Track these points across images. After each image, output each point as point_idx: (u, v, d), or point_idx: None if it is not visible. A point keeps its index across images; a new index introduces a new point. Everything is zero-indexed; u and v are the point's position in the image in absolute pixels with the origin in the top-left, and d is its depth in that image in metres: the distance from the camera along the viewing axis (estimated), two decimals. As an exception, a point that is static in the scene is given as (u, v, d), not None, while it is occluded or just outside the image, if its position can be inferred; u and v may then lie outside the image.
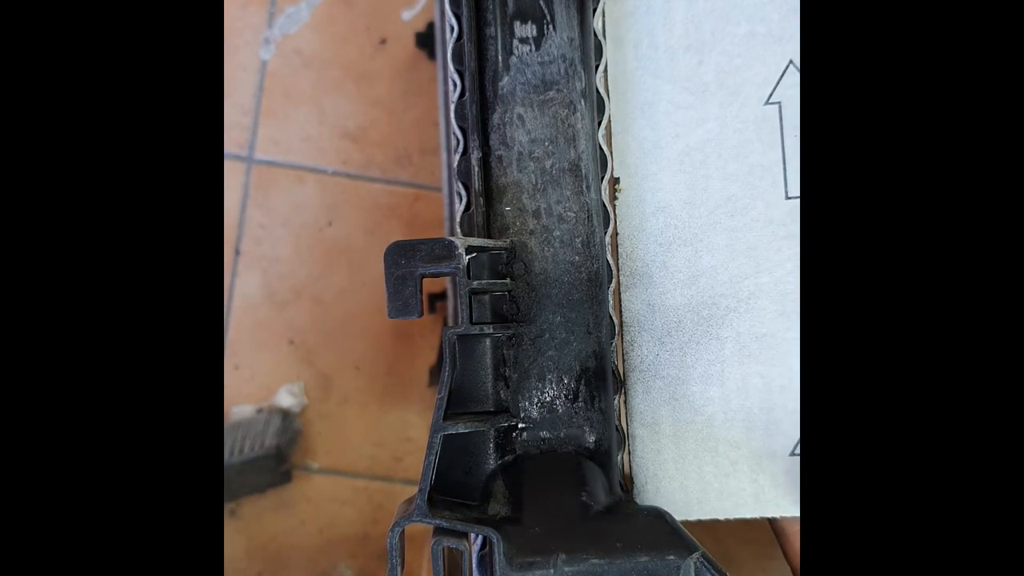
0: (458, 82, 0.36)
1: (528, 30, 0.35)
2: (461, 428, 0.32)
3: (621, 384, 0.38)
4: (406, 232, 0.63)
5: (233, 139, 0.62)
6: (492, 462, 0.34)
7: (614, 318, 0.37)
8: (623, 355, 0.39)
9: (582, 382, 0.35)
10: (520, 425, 0.35)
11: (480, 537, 0.32)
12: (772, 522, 0.40)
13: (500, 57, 0.35)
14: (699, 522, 0.38)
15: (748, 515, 0.38)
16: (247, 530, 0.62)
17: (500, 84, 0.35)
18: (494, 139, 0.36)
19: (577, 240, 0.35)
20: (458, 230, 0.36)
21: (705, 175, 0.39)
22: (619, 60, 0.39)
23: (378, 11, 0.63)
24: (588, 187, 0.35)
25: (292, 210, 0.62)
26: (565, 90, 0.35)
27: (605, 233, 0.37)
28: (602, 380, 0.35)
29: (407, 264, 0.31)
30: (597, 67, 0.37)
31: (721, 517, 0.38)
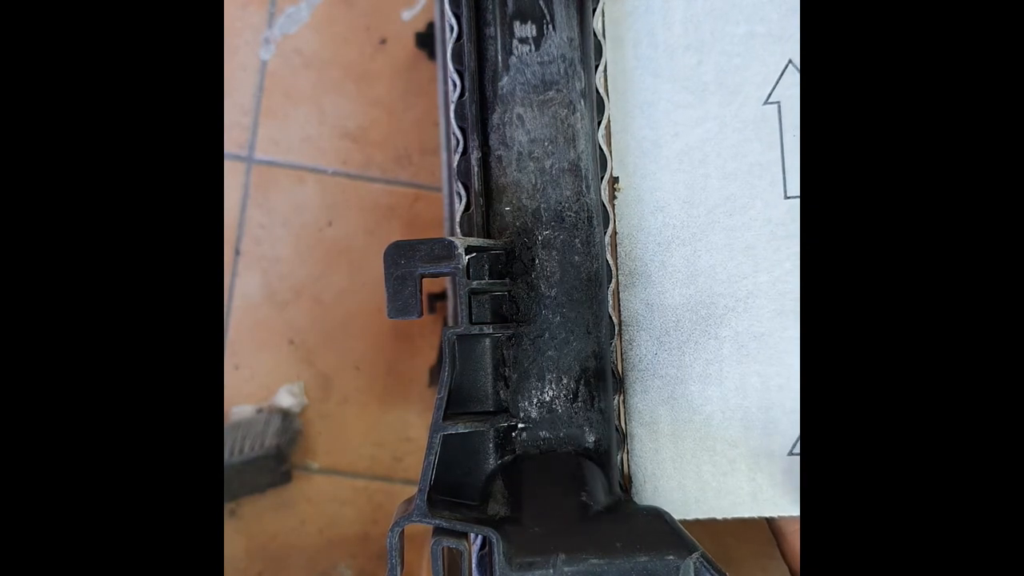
0: (458, 82, 0.36)
1: (528, 30, 0.35)
2: (461, 428, 0.32)
3: (620, 384, 0.38)
4: (406, 232, 0.63)
5: (233, 139, 0.62)
6: (492, 462, 0.34)
7: (613, 318, 0.37)
8: (621, 354, 0.39)
9: (581, 382, 0.35)
10: (520, 425, 0.35)
11: (480, 537, 0.32)
12: (770, 522, 0.40)
13: (500, 57, 0.35)
14: (697, 521, 0.39)
15: (746, 514, 0.38)
16: (247, 530, 0.62)
17: (500, 84, 0.35)
18: (494, 139, 0.36)
19: (576, 240, 0.35)
20: (458, 230, 0.36)
21: (704, 174, 0.39)
22: (618, 59, 0.39)
23: (378, 11, 0.63)
24: (587, 187, 0.35)
25: (292, 210, 0.62)
26: (565, 90, 0.35)
27: (605, 233, 0.37)
28: (601, 380, 0.35)
29: (407, 264, 0.31)
30: (597, 67, 0.37)
31: (719, 516, 0.38)
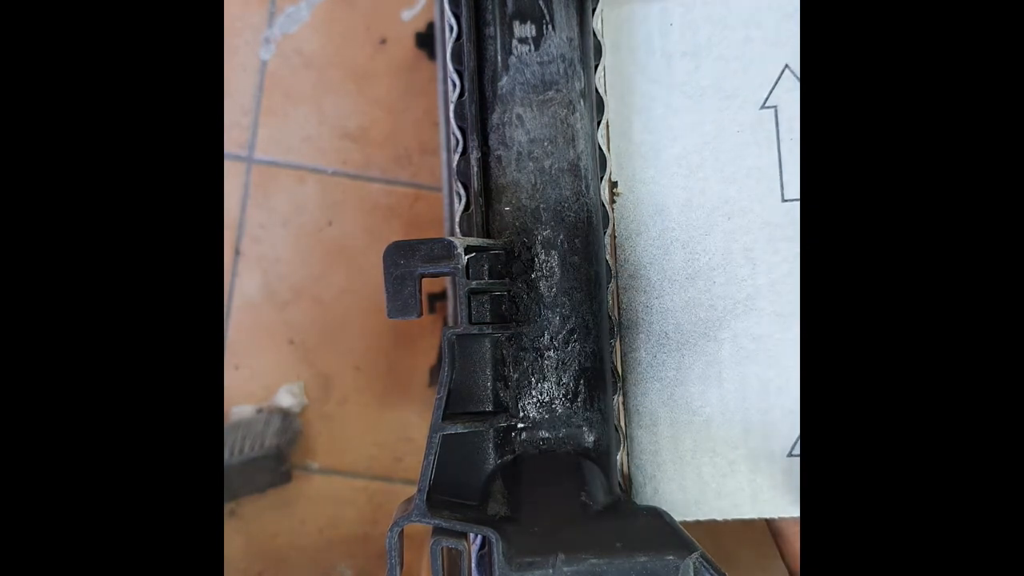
0: (458, 82, 0.36)
1: (527, 30, 0.35)
2: (460, 428, 0.32)
3: (620, 384, 0.38)
4: (406, 232, 0.63)
5: (233, 139, 0.62)
6: (491, 462, 0.34)
7: (613, 319, 0.37)
8: (621, 357, 0.39)
9: (581, 382, 0.35)
10: (519, 425, 0.35)
11: (479, 537, 0.32)
12: (770, 523, 0.40)
13: (499, 57, 0.35)
14: (697, 522, 0.39)
15: (746, 516, 0.38)
16: (247, 530, 0.62)
17: (499, 84, 0.35)
18: (493, 139, 0.36)
19: (576, 240, 0.35)
20: (458, 230, 0.36)
21: (702, 178, 0.39)
22: (617, 65, 0.40)
23: (378, 11, 0.63)
24: (587, 187, 0.35)
25: (292, 210, 0.62)
26: (564, 90, 0.35)
27: (604, 233, 0.37)
28: (601, 380, 0.35)
29: (406, 264, 0.31)
30: (596, 67, 0.37)
31: (719, 518, 0.39)
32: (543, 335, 0.35)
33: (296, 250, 0.62)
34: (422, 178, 0.63)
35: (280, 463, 0.61)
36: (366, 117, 0.63)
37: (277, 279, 0.62)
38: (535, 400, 0.35)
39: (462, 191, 0.36)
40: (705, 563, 0.30)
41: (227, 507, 0.62)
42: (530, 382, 0.35)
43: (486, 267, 0.34)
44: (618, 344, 0.38)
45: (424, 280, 0.31)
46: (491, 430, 0.34)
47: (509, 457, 0.34)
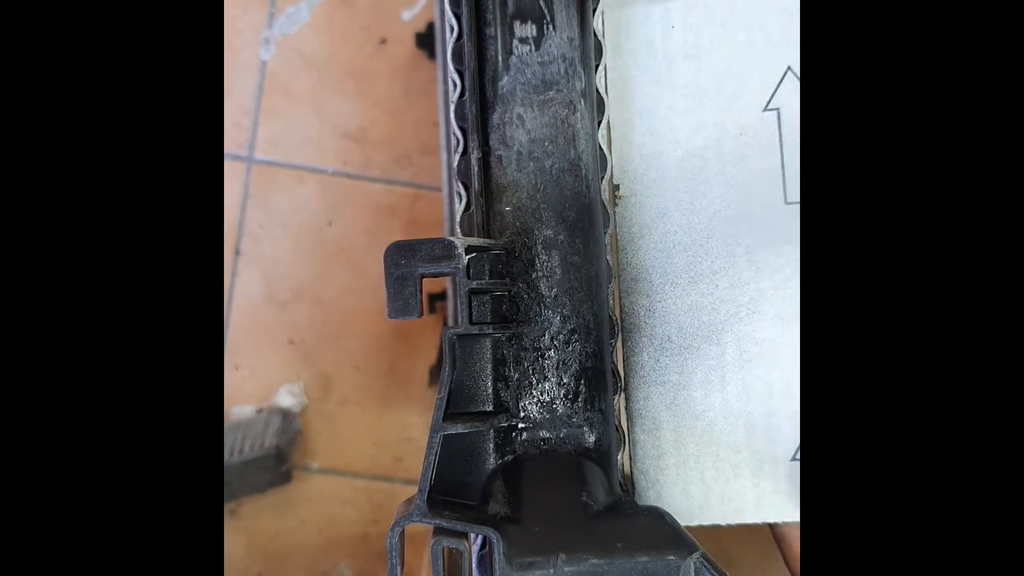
0: (458, 82, 0.36)
1: (528, 30, 0.35)
2: (461, 428, 0.32)
3: (621, 384, 0.38)
4: (406, 232, 0.63)
5: (233, 139, 0.62)
6: (492, 462, 0.34)
7: (614, 319, 0.37)
8: (624, 360, 0.39)
9: (582, 382, 0.35)
10: (520, 425, 0.35)
11: (480, 537, 0.32)
12: (773, 528, 0.40)
13: (500, 57, 0.35)
14: (700, 527, 0.38)
15: (749, 520, 0.38)
16: (247, 530, 0.62)
17: (500, 84, 0.35)
18: (494, 139, 0.36)
19: (577, 240, 0.35)
20: (458, 230, 0.36)
21: (705, 181, 0.39)
22: (618, 67, 0.40)
23: (378, 11, 0.63)
24: (588, 187, 0.35)
25: (292, 210, 0.62)
26: (565, 90, 0.35)
27: (605, 233, 0.37)
28: (602, 380, 0.35)
29: (407, 264, 0.31)
30: (597, 67, 0.37)
31: (723, 523, 0.38)
32: (544, 335, 0.35)
33: (296, 250, 0.62)
34: (422, 178, 0.63)
35: (280, 463, 0.61)
36: (366, 117, 0.63)
37: (277, 279, 0.62)
38: (536, 400, 0.35)
39: (462, 191, 0.36)
40: (706, 563, 0.30)
41: (227, 507, 0.62)
42: (531, 382, 0.35)
43: (487, 267, 0.34)
44: (619, 345, 0.38)
45: (424, 280, 0.31)
46: (492, 430, 0.34)
47: (510, 457, 0.34)
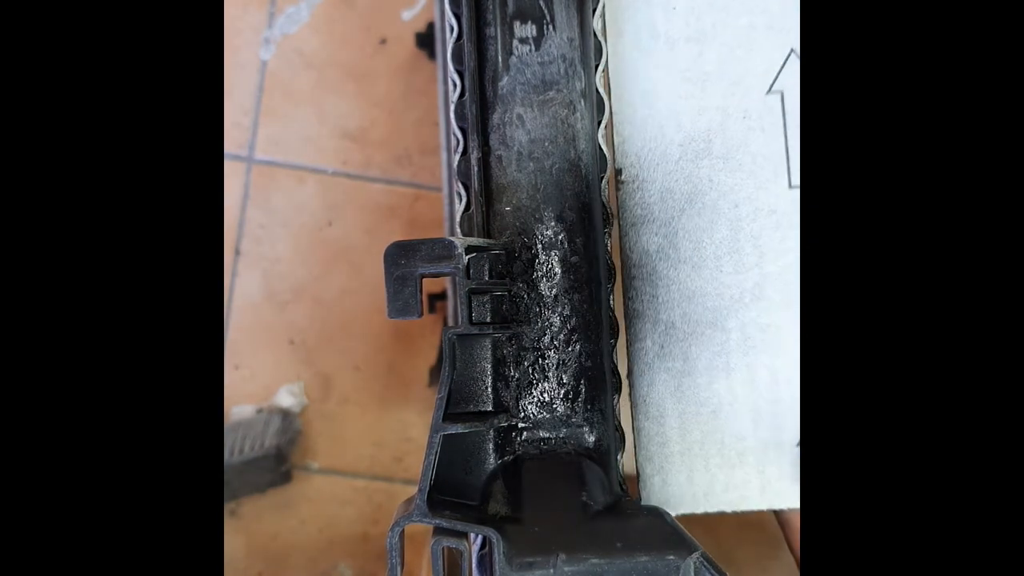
0: (458, 82, 0.36)
1: (528, 30, 0.35)
2: (460, 428, 0.32)
3: (620, 384, 0.38)
4: (406, 232, 0.63)
5: (233, 139, 0.62)
6: (492, 462, 0.34)
7: (615, 313, 0.37)
8: (628, 348, 0.38)
9: (582, 382, 0.35)
10: (520, 425, 0.35)
11: (480, 537, 0.32)
12: (778, 514, 0.40)
13: (500, 57, 0.35)
14: (706, 515, 0.38)
15: (755, 507, 0.38)
16: (247, 530, 0.62)
17: (500, 84, 0.35)
18: (494, 139, 0.36)
19: (577, 240, 0.35)
20: (458, 230, 0.36)
21: (708, 165, 0.39)
22: (620, 51, 0.39)
23: (378, 11, 0.63)
24: (588, 187, 0.35)
25: (292, 210, 0.62)
26: (565, 90, 0.35)
27: (605, 232, 0.37)
28: (602, 380, 0.35)
29: (407, 264, 0.31)
30: (597, 67, 0.37)
31: (728, 510, 0.38)
32: (544, 335, 0.35)
33: (296, 250, 0.62)
34: (422, 178, 0.63)
35: (280, 463, 0.61)
36: (366, 117, 0.63)
37: (277, 279, 0.62)
38: (535, 400, 0.35)
39: (462, 191, 0.36)
40: (706, 563, 0.30)
41: (227, 507, 0.62)
42: (531, 382, 0.35)
43: (486, 267, 0.34)
44: (623, 336, 0.38)
45: (424, 280, 0.31)
46: (491, 430, 0.34)
47: (510, 457, 0.34)
